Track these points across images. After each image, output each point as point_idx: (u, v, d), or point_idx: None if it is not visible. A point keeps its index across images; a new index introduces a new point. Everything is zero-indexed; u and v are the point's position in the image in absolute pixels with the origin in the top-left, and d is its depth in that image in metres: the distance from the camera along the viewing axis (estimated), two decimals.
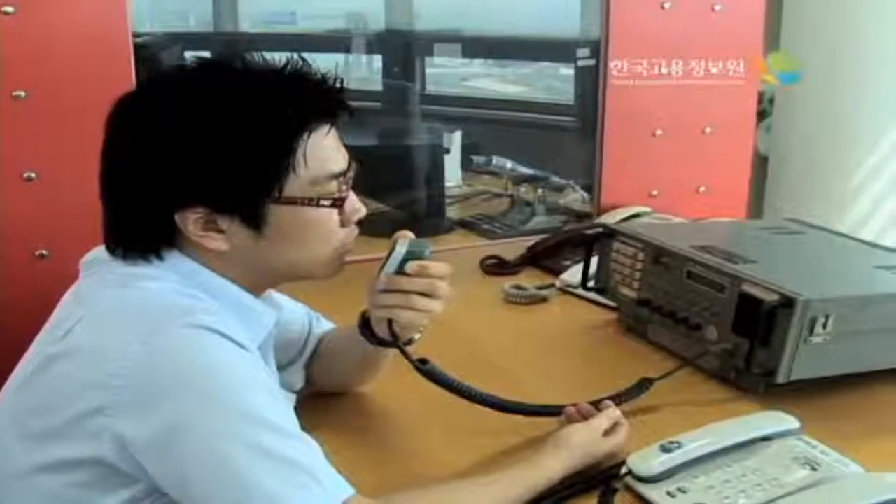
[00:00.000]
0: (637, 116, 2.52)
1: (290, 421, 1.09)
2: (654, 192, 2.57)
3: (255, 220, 1.16)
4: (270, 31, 3.90)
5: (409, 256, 1.30)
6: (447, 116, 3.35)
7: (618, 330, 1.83)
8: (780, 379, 1.43)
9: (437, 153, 2.67)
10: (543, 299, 2.02)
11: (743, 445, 1.26)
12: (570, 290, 2.02)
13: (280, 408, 1.09)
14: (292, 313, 1.47)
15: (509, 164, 2.77)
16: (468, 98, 3.90)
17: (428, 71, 3.70)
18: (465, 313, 1.85)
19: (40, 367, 1.12)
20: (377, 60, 3.66)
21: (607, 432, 1.31)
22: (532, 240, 2.35)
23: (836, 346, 1.44)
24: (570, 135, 3.11)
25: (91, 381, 1.04)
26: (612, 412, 1.34)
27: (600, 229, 1.87)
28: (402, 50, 3.46)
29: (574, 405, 1.37)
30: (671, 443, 1.24)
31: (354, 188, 1.24)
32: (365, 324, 1.39)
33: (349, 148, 1.24)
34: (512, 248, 2.34)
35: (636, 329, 1.78)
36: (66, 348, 1.10)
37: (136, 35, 2.05)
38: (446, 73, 4.00)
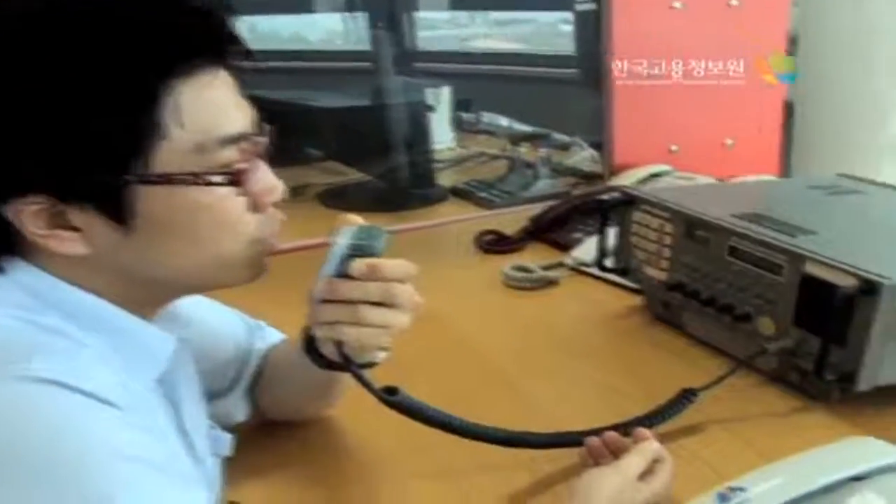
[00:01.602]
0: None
1: None
2: (674, 148, 2.25)
3: (116, 210, 0.79)
4: None
5: (356, 252, 0.95)
6: (440, 74, 3.11)
7: (645, 319, 1.49)
8: (862, 386, 1.11)
9: (419, 112, 2.34)
10: (552, 282, 1.68)
11: (828, 489, 0.93)
12: (583, 269, 1.69)
13: (162, 488, 0.76)
14: (223, 326, 1.13)
15: (504, 122, 2.42)
16: (461, 53, 3.69)
17: (426, 33, 3.55)
18: (456, 302, 1.57)
19: None
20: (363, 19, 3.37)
21: (644, 474, 0.98)
22: (536, 208, 2.02)
23: None
24: (573, 88, 2.83)
25: None
26: (649, 446, 0.99)
27: (617, 195, 1.53)
28: (387, 4, 3.16)
29: (597, 432, 1.05)
30: (731, 489, 0.91)
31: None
32: (311, 342, 1.04)
33: (262, 103, 0.89)
34: (513, 219, 2.01)
35: (668, 318, 1.45)
36: None
37: None
38: (445, 34, 3.85)
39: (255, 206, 0.87)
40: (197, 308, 1.04)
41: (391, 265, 0.95)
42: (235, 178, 0.83)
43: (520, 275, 1.67)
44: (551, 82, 3.22)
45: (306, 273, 0.96)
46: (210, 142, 0.81)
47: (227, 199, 0.84)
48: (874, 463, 0.95)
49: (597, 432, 1.05)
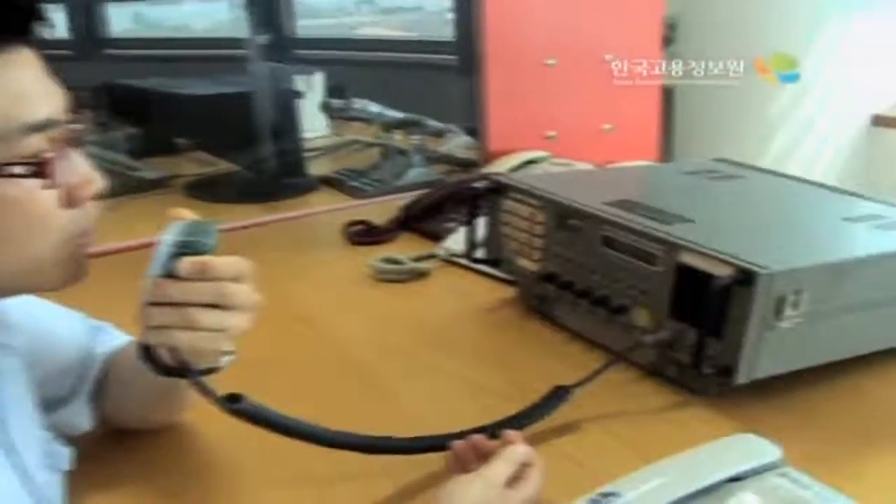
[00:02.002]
0: (525, 43, 2.13)
1: None
2: (551, 134, 2.20)
3: None
4: None
5: (184, 249, 0.86)
6: (317, 61, 3.09)
7: (518, 312, 1.43)
8: (741, 379, 1.06)
9: (288, 99, 2.25)
10: (422, 274, 1.61)
11: (706, 491, 0.88)
12: (455, 260, 1.63)
13: None
14: (61, 329, 1.04)
15: (374, 108, 2.33)
16: (340, 40, 3.64)
17: (312, 21, 3.58)
18: (322, 296, 1.50)
19: None
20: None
21: (513, 479, 0.91)
22: (408, 197, 1.95)
23: (809, 331, 1.07)
24: (451, 74, 2.77)
25: None
26: (517, 450, 0.93)
27: (486, 183, 1.46)
28: None
29: (463, 435, 0.98)
30: (604, 494, 0.86)
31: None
32: (147, 348, 0.94)
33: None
34: (385, 209, 1.94)
35: (542, 310, 1.39)
36: None
37: None
38: (332, 22, 3.90)
39: (69, 201, 0.79)
40: (30, 311, 0.95)
41: (222, 263, 0.87)
42: (41, 169, 0.75)
43: (389, 267, 1.60)
44: (431, 69, 3.18)
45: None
46: (11, 129, 0.73)
47: (34, 192, 0.76)
48: (752, 462, 0.90)
49: (463, 435, 0.98)
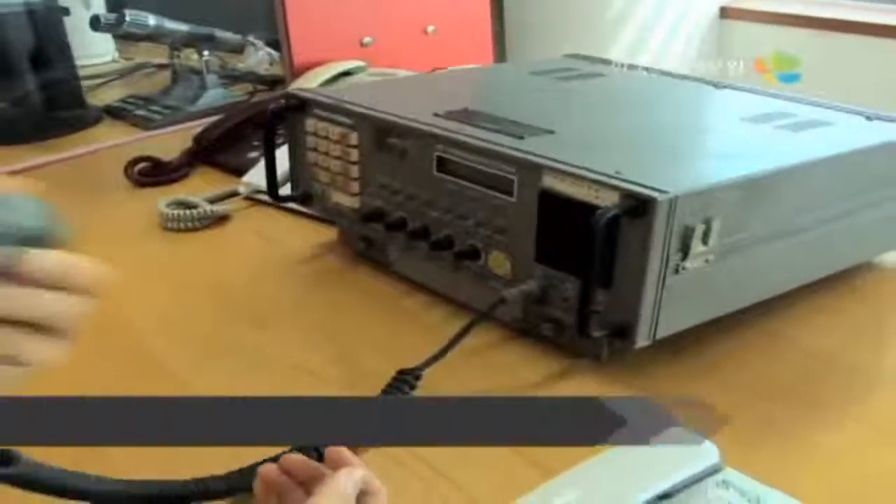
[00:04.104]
0: None
1: None
2: (366, 40, 1.90)
3: None
4: None
5: None
6: None
7: (344, 261, 1.14)
8: (641, 340, 0.80)
9: (53, 18, 1.88)
10: (222, 218, 1.30)
11: None
12: (261, 198, 1.33)
13: None
14: None
15: (152, 21, 1.97)
16: None
17: None
18: (99, 257, 1.17)
19: None
20: None
21: None
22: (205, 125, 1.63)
23: (721, 271, 0.83)
24: None
25: None
26: (347, 478, 0.64)
27: (281, 101, 1.15)
28: None
29: (274, 459, 0.69)
30: None
31: None
32: None
33: None
34: (180, 139, 1.61)
35: (373, 257, 1.11)
36: None
37: None
38: None
39: None
40: None
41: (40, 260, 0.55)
42: None
43: (179, 212, 1.27)
44: None
45: None
46: None
47: None
48: (685, 471, 0.64)
49: (273, 462, 0.70)
